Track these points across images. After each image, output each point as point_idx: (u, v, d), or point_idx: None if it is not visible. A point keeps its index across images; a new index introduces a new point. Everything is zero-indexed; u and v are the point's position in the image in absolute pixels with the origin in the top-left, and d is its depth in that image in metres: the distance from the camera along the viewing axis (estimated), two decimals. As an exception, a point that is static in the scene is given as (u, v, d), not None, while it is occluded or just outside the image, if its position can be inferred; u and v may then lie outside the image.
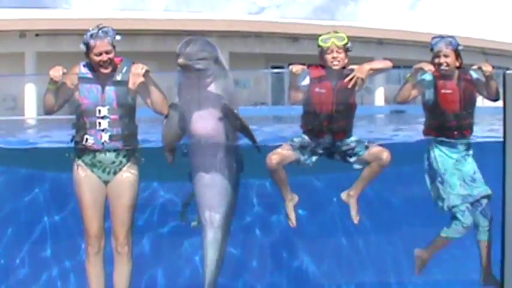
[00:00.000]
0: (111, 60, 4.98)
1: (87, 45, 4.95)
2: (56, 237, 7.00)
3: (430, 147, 5.68)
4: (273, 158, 5.27)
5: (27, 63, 27.08)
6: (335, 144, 5.44)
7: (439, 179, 5.63)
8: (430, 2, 76.15)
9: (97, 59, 4.95)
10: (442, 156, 5.61)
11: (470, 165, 5.65)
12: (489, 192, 5.61)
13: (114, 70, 5.04)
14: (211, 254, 5.37)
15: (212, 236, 5.36)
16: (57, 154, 5.63)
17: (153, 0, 76.75)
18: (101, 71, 4.98)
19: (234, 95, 5.24)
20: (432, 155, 5.66)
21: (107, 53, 4.95)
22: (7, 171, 7.21)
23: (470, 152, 5.67)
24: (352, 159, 5.44)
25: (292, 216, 5.54)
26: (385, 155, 5.29)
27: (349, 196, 5.57)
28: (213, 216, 5.35)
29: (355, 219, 5.58)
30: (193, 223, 5.53)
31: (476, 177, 5.64)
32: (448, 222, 5.61)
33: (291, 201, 5.52)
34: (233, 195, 5.45)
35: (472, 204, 5.60)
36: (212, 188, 5.29)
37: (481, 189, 5.62)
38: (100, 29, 4.94)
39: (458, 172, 5.60)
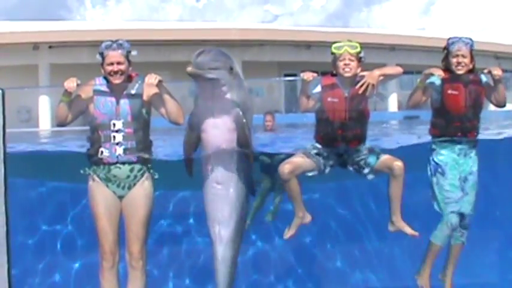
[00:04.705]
0: (122, 72, 5.01)
1: (102, 55, 5.02)
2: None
3: (433, 145, 5.71)
4: (286, 167, 5.25)
5: (41, 75, 27.16)
6: (349, 153, 5.44)
7: (440, 170, 5.64)
8: (442, 7, 75.85)
9: (108, 68, 5.00)
10: (443, 153, 5.64)
11: (469, 165, 5.68)
12: (472, 202, 5.71)
13: (129, 82, 5.07)
14: (222, 271, 5.22)
15: (222, 252, 5.20)
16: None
17: (167, 11, 77.14)
18: (111, 81, 5.02)
19: (249, 106, 5.16)
20: (435, 152, 5.68)
21: (118, 63, 4.99)
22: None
23: (473, 152, 5.69)
24: (365, 171, 5.41)
25: (292, 232, 5.47)
26: (397, 165, 5.27)
27: (394, 223, 5.49)
28: (222, 231, 5.19)
29: (414, 235, 5.49)
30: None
31: (469, 179, 5.68)
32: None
33: (301, 218, 5.45)
34: (244, 209, 5.30)
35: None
36: (223, 201, 5.16)
37: (469, 196, 5.69)
38: (115, 41, 5.02)
39: (457, 167, 5.63)
